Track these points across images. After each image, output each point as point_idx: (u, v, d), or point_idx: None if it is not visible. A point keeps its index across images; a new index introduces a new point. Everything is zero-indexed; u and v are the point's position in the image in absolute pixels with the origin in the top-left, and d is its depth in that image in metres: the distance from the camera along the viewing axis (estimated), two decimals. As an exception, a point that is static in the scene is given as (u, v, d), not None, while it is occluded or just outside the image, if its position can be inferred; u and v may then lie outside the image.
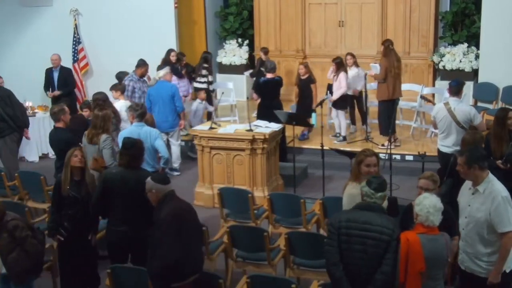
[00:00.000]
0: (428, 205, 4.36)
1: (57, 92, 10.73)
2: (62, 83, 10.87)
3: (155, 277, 4.87)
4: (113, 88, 9.23)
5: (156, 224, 4.81)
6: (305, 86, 9.97)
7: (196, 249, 4.97)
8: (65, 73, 11.10)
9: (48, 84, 10.91)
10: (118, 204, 5.41)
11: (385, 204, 5.10)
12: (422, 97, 9.51)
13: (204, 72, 10.90)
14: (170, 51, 10.71)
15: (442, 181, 5.64)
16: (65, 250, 5.68)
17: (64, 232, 5.61)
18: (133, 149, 5.57)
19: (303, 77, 9.96)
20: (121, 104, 8.81)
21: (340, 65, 9.98)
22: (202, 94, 10.31)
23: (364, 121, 10.38)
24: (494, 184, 4.67)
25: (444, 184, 5.87)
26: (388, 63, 9.46)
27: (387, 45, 9.58)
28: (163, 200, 4.86)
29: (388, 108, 9.47)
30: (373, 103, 10.28)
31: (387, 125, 9.28)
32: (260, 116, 9.14)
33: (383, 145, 9.50)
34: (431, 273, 4.37)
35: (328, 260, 4.32)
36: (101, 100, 8.11)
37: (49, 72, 10.94)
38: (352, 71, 10.20)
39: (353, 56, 10.31)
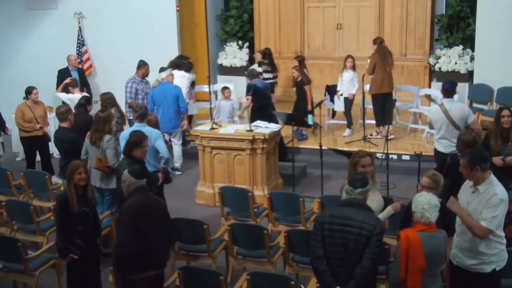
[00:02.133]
0: (422, 201, 4.47)
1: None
2: (83, 82, 11.06)
3: (114, 265, 5.03)
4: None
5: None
6: (299, 88, 10.18)
7: (157, 245, 4.99)
8: (83, 73, 11.43)
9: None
10: None
11: (381, 203, 5.19)
12: (427, 96, 9.79)
13: (265, 67, 11.00)
14: (188, 60, 10.54)
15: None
16: (75, 265, 5.48)
17: (77, 251, 5.37)
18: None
19: (297, 80, 10.17)
20: (74, 96, 9.58)
21: (299, 63, 10.49)
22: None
23: (349, 124, 10.56)
24: (494, 186, 4.73)
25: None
26: (375, 59, 9.88)
27: (380, 41, 10.00)
28: (132, 193, 4.99)
29: (378, 101, 9.97)
30: (370, 104, 10.43)
31: (379, 117, 9.98)
32: (254, 118, 9.24)
33: (371, 134, 10.23)
34: (430, 270, 4.45)
35: (312, 254, 4.46)
36: (111, 99, 8.29)
37: (66, 72, 10.96)
38: (349, 74, 10.36)
39: (353, 59, 10.44)
